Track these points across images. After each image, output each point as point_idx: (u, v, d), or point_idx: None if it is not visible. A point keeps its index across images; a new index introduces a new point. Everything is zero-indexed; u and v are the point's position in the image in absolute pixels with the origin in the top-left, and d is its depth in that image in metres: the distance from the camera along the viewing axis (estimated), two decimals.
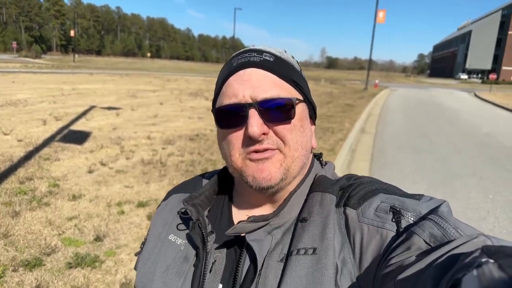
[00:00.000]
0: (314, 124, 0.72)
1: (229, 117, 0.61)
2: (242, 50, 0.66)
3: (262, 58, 0.62)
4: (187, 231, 0.67)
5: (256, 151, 0.59)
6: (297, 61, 0.69)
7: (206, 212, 0.70)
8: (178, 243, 0.67)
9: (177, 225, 0.70)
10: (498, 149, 8.67)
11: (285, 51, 0.69)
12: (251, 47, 0.65)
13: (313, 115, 0.70)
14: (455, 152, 8.08)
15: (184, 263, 0.64)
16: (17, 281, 2.67)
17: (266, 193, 0.62)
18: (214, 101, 0.67)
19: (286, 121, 0.60)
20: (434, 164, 6.96)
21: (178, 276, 0.63)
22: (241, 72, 0.61)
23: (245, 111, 0.59)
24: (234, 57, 0.65)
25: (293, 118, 0.60)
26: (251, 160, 0.60)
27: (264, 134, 0.59)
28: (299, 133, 0.62)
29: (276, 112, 0.59)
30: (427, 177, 6.10)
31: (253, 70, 0.61)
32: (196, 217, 0.65)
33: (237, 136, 0.61)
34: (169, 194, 0.79)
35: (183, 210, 0.68)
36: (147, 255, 0.69)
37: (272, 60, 0.62)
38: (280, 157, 0.60)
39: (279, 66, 0.62)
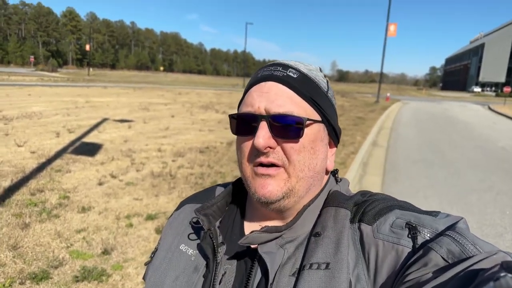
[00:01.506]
0: (336, 147, 0.71)
1: (242, 124, 0.63)
2: (271, 63, 0.67)
3: (285, 74, 0.63)
4: (198, 241, 0.67)
5: (262, 164, 0.60)
6: (327, 81, 0.69)
7: (217, 223, 0.70)
8: (189, 253, 0.67)
9: (188, 235, 0.70)
10: None
11: (320, 69, 0.69)
12: (280, 61, 0.66)
13: (334, 138, 0.69)
14: (470, 167, 7.90)
15: (194, 273, 0.63)
16: None
17: (268, 208, 0.62)
18: (238, 108, 0.70)
19: (294, 139, 0.60)
20: (449, 179, 6.80)
21: (187, 286, 0.62)
22: (263, 84, 0.63)
23: (257, 121, 0.60)
24: (261, 69, 0.67)
25: (301, 137, 0.60)
26: (256, 173, 0.61)
27: (270, 147, 0.59)
28: (307, 155, 0.61)
29: (286, 128, 0.59)
30: (440, 192, 5.95)
31: (273, 84, 0.62)
32: (207, 227, 0.65)
33: (247, 145, 0.62)
34: (181, 204, 0.80)
35: (195, 220, 0.68)
36: (157, 265, 0.69)
37: (295, 76, 0.63)
38: (284, 176, 0.60)
39: (301, 84, 0.62)
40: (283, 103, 0.60)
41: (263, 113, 0.60)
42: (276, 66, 0.64)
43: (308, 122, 0.60)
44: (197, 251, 0.66)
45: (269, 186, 0.60)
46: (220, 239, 0.65)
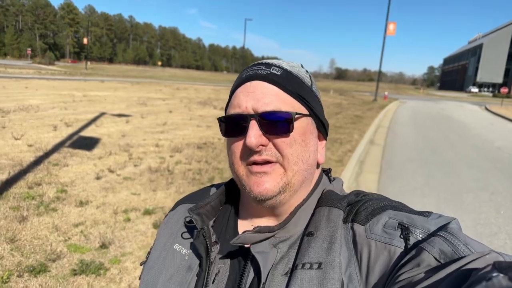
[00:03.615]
0: (325, 139, 0.72)
1: (232, 126, 0.63)
2: (254, 63, 0.67)
3: (269, 72, 0.63)
4: (192, 240, 0.67)
5: (256, 163, 0.60)
6: (310, 76, 0.69)
7: (211, 222, 0.70)
8: (183, 252, 0.67)
9: (181, 234, 0.70)
10: (510, 163, 8.52)
11: (301, 65, 0.70)
12: (262, 61, 0.67)
13: (322, 131, 0.70)
14: (466, 166, 7.96)
15: (187, 272, 0.64)
16: (21, 286, 2.66)
17: (265, 205, 0.62)
18: (226, 111, 0.69)
19: (284, 134, 0.60)
20: (444, 178, 6.85)
21: (181, 285, 0.62)
22: (248, 84, 0.63)
23: (246, 121, 0.60)
24: (245, 69, 0.67)
25: (292, 131, 0.60)
26: (251, 172, 0.61)
27: (262, 145, 0.60)
28: (299, 147, 0.62)
29: (275, 125, 0.60)
30: (437, 191, 6.00)
31: (258, 83, 0.62)
32: (200, 226, 0.64)
33: (239, 146, 0.62)
34: (176, 205, 0.80)
35: (188, 219, 0.68)
36: (151, 264, 0.69)
37: (279, 73, 0.63)
38: (280, 171, 0.61)
39: (285, 80, 0.63)
40: (270, 100, 0.60)
41: (252, 112, 0.60)
42: (260, 65, 0.65)
43: (296, 116, 0.61)
44: (191, 251, 0.66)
45: (265, 184, 0.60)
46: (213, 238, 0.65)
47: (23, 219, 3.66)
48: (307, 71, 0.69)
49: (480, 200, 5.63)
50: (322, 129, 0.69)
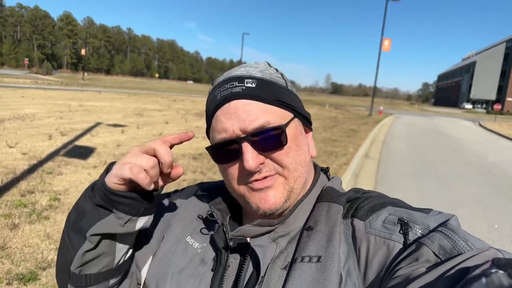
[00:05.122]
0: (311, 130, 0.71)
1: (224, 152, 0.61)
2: (223, 79, 0.64)
3: (244, 87, 0.60)
4: (203, 234, 0.68)
5: (257, 180, 0.60)
6: (282, 74, 0.67)
7: (227, 219, 0.71)
8: (195, 246, 0.67)
9: (195, 227, 0.70)
10: (503, 178, 8.57)
11: (268, 64, 0.68)
12: (231, 74, 0.63)
13: (307, 123, 0.69)
14: (460, 181, 8.00)
15: (200, 265, 0.64)
16: None
17: (271, 217, 0.63)
18: (207, 133, 0.68)
19: (280, 148, 0.60)
20: (438, 192, 6.87)
21: (193, 278, 0.62)
22: (226, 105, 0.60)
23: (237, 145, 0.59)
24: (216, 88, 0.64)
25: (286, 143, 0.60)
26: (254, 189, 0.61)
27: (261, 164, 0.59)
28: (295, 153, 0.62)
29: (268, 140, 0.59)
30: (431, 205, 5.98)
31: (237, 102, 0.60)
32: (221, 221, 0.65)
33: (235, 169, 0.62)
34: (188, 194, 0.80)
35: (209, 213, 0.68)
36: (162, 255, 0.69)
37: (254, 86, 0.61)
38: (281, 181, 0.61)
39: (262, 91, 0.61)
40: (254, 117, 0.59)
41: (241, 134, 0.59)
42: (232, 81, 0.62)
43: (286, 126, 0.60)
44: (204, 244, 0.67)
45: (271, 198, 0.60)
46: (230, 234, 0.65)
47: (14, 227, 3.61)
48: (276, 70, 0.68)
49: (474, 214, 5.65)
50: (306, 122, 0.69)
